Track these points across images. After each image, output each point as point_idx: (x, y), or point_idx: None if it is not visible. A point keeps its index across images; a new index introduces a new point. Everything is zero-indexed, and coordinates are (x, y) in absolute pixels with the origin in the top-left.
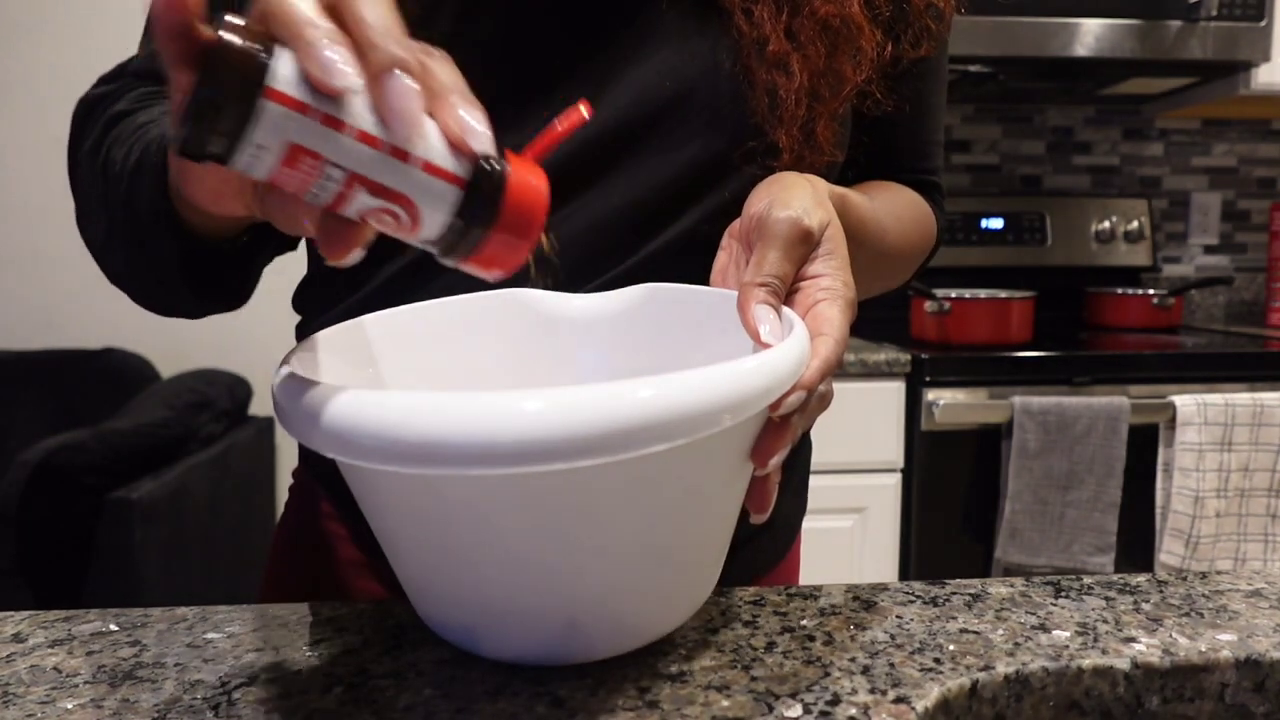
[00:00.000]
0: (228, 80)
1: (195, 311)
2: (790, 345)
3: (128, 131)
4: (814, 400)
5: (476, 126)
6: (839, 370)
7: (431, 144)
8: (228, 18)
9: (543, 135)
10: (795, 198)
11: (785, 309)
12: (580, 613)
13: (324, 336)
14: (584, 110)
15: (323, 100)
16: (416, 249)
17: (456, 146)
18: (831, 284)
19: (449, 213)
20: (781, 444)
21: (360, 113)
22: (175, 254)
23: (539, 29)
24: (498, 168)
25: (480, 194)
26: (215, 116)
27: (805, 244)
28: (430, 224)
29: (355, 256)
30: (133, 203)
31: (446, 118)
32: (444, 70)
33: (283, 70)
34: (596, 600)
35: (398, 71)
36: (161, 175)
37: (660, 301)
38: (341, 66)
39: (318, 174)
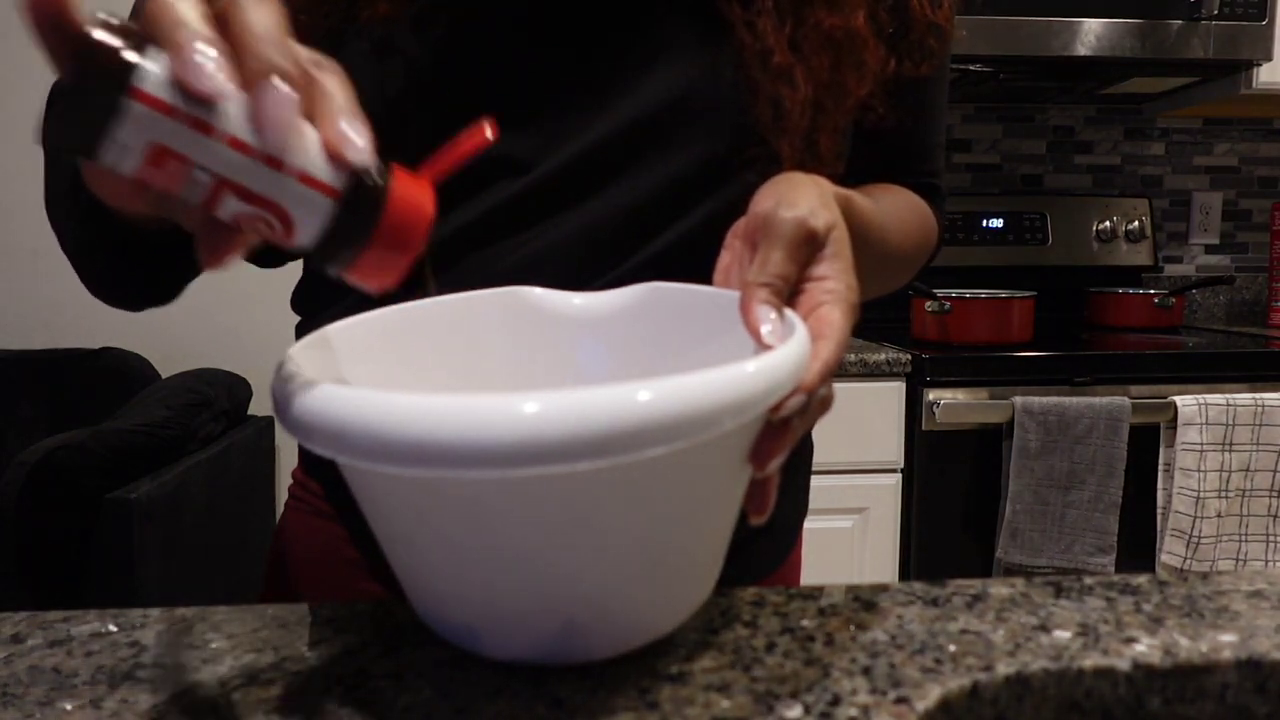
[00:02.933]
0: (94, 76)
1: (132, 303)
2: (791, 347)
3: None
4: (814, 403)
5: (355, 139)
6: (839, 371)
7: (309, 154)
8: (100, 14)
9: (444, 153)
10: (802, 198)
11: (787, 310)
12: (579, 613)
13: (324, 335)
14: (488, 131)
15: (193, 104)
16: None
17: (334, 158)
18: (835, 286)
19: (323, 223)
20: (781, 446)
21: (235, 118)
22: (106, 247)
23: (538, 35)
24: (377, 181)
25: (356, 207)
26: (79, 111)
27: (810, 245)
28: (304, 233)
29: (230, 262)
30: (74, 194)
31: (325, 128)
32: (330, 81)
33: (153, 71)
34: (595, 600)
35: (275, 79)
36: None
37: (661, 300)
38: (211, 70)
39: (185, 176)
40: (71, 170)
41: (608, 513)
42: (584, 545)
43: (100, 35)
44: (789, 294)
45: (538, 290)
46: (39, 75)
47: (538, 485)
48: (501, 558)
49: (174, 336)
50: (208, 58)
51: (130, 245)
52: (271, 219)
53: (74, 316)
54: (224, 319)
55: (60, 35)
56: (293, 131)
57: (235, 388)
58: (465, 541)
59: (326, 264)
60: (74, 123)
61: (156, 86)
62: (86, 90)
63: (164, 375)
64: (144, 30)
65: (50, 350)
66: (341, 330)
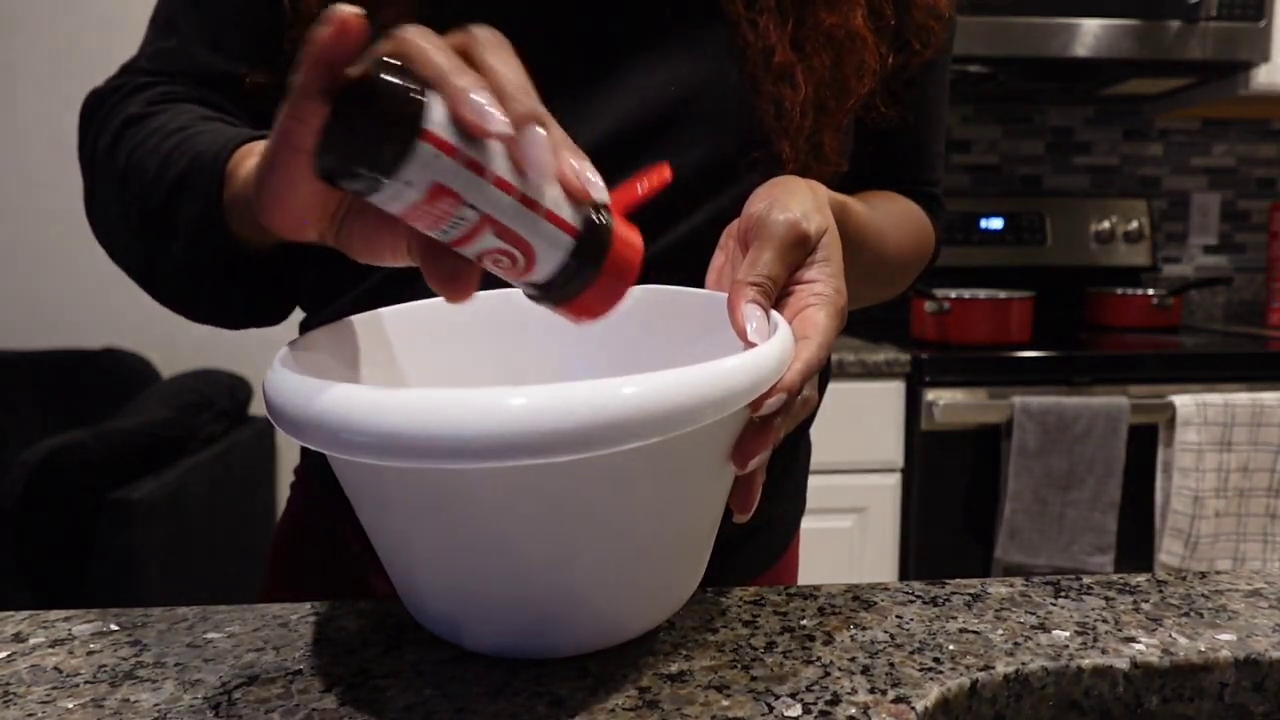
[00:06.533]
0: (387, 119)
1: (235, 322)
2: (772, 346)
3: (155, 137)
4: (797, 403)
5: (595, 180)
6: (830, 373)
7: (555, 194)
8: (385, 58)
9: (625, 192)
10: (795, 201)
11: (773, 312)
12: (561, 606)
13: (316, 336)
14: (667, 172)
15: (469, 144)
16: None
17: (575, 197)
18: (823, 290)
19: (562, 259)
20: (762, 445)
21: (498, 160)
22: (222, 265)
23: (541, 34)
24: (606, 220)
25: (591, 243)
26: (371, 152)
27: (801, 247)
28: (542, 269)
29: (471, 294)
30: (174, 213)
31: (566, 169)
32: (553, 124)
33: (436, 113)
34: (578, 594)
35: (536, 124)
36: (215, 189)
37: (652, 304)
38: (494, 113)
39: (452, 213)
40: (165, 192)
41: (590, 505)
42: (566, 538)
43: (391, 78)
44: (778, 295)
45: None
46: (40, 77)
47: (521, 477)
48: (484, 549)
49: (175, 337)
50: (487, 102)
51: (243, 266)
52: (518, 255)
53: (75, 317)
54: None
55: (334, 75)
56: (550, 174)
57: (236, 388)
58: (449, 533)
59: (547, 298)
60: (360, 160)
61: (441, 128)
62: (380, 132)
63: (165, 375)
64: (412, 69)
65: (51, 350)
66: (334, 331)
